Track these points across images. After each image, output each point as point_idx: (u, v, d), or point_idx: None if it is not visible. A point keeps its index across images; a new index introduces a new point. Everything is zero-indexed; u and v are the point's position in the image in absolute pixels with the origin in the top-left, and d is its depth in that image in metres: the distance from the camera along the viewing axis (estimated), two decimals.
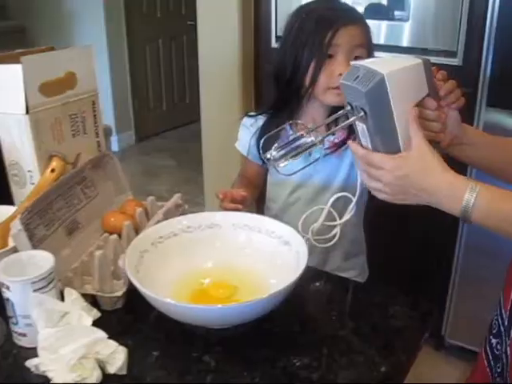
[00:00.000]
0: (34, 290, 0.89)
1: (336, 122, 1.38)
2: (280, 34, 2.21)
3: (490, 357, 1.14)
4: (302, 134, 1.06)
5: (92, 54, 1.26)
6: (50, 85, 1.17)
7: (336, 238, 1.21)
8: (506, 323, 1.08)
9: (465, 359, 2.18)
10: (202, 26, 2.34)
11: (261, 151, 1.18)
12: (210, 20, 2.33)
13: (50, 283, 0.91)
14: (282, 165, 1.05)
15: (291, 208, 1.45)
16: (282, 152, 1.04)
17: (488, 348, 1.15)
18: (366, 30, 1.32)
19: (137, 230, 1.17)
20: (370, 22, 1.36)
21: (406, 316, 1.03)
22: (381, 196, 0.99)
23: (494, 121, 1.93)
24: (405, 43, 2.01)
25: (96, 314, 0.96)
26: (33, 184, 1.19)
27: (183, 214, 1.25)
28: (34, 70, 1.13)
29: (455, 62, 1.95)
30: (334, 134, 1.07)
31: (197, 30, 4.72)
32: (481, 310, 2.12)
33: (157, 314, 0.97)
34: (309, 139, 1.06)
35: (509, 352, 1.05)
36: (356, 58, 1.27)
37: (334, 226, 1.20)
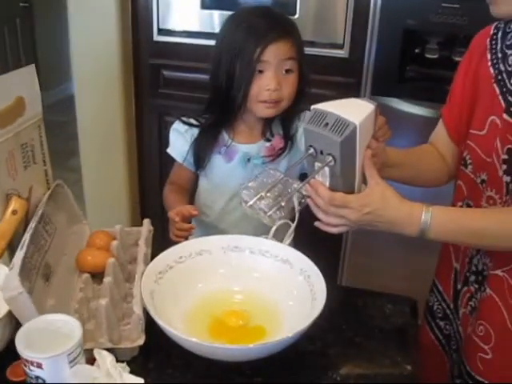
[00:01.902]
0: (70, 362, 0.79)
1: (271, 130, 1.41)
2: (163, 26, 2.17)
3: (441, 337, 1.30)
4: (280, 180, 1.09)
5: (35, 74, 1.11)
6: (2, 115, 1.01)
7: None
8: (452, 307, 1.24)
9: None
10: (75, 20, 2.15)
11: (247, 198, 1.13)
12: (83, 11, 2.15)
13: (81, 350, 0.82)
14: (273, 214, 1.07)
15: (228, 217, 1.44)
16: (271, 202, 1.06)
17: (437, 330, 1.30)
18: (297, 43, 1.33)
19: None
20: None
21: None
22: (336, 230, 1.04)
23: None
24: None
25: (127, 369, 0.88)
26: None
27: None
28: None
29: (342, 54, 2.07)
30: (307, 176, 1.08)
31: (32, 13, 4.31)
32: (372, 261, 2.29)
33: (176, 354, 0.94)
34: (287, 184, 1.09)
35: (461, 330, 1.20)
36: (286, 71, 1.30)
37: None
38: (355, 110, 1.00)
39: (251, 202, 1.04)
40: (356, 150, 0.99)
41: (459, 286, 1.21)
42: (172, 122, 2.24)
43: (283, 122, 1.42)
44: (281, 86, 1.30)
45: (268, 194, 1.05)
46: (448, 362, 1.28)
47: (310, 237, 1.26)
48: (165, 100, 2.26)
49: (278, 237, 1.14)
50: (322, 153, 1.00)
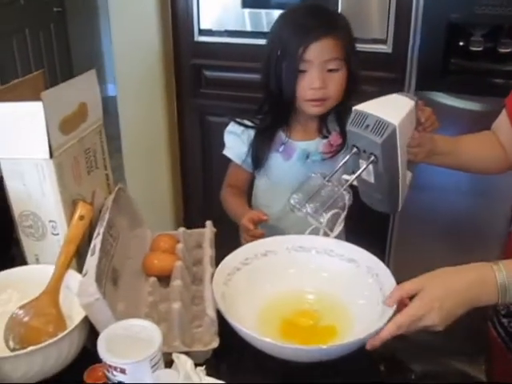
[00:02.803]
0: (152, 367, 0.80)
1: (326, 127, 1.41)
2: (203, 27, 2.17)
3: (504, 334, 1.26)
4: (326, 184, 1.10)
5: (96, 79, 1.12)
6: (68, 121, 1.02)
7: None
8: None
9: None
10: (116, 23, 2.17)
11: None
12: (124, 14, 2.16)
13: (161, 355, 0.82)
14: (322, 219, 1.08)
15: (288, 216, 1.42)
16: (318, 206, 1.08)
17: (500, 328, 1.26)
18: (343, 41, 1.31)
19: None
20: None
21: None
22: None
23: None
24: None
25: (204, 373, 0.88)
26: (56, 235, 1.05)
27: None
28: (54, 106, 0.98)
29: (385, 49, 2.05)
30: (353, 172, 1.11)
31: (66, 17, 4.37)
32: (419, 256, 2.26)
33: (248, 357, 0.94)
34: (332, 188, 1.10)
35: None
36: (329, 71, 1.29)
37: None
38: (394, 109, 1.03)
39: (298, 206, 1.07)
40: (397, 148, 1.02)
41: None
42: (214, 122, 2.29)
43: (338, 119, 1.41)
44: (326, 85, 1.30)
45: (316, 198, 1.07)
46: None
47: (353, 235, 1.26)
48: (206, 100, 2.27)
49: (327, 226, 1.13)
50: (364, 151, 1.04)
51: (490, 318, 1.29)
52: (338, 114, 1.39)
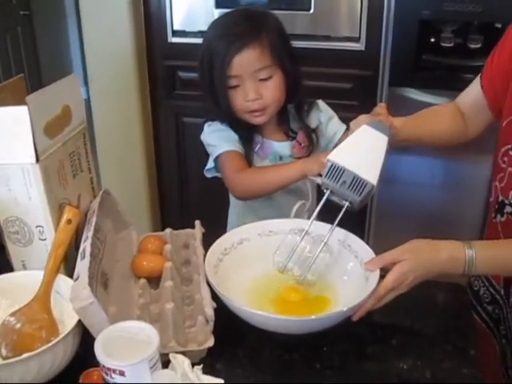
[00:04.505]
0: (151, 368, 0.80)
1: (290, 128, 1.39)
2: (177, 28, 2.16)
3: (488, 320, 1.29)
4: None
5: (78, 82, 1.11)
6: (52, 124, 1.01)
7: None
8: (503, 293, 1.23)
9: None
10: (88, 26, 2.15)
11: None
12: (95, 16, 2.14)
13: (159, 356, 0.82)
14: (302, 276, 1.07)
15: (271, 201, 1.39)
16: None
17: (485, 315, 1.29)
18: (271, 46, 1.25)
19: None
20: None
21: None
22: None
23: (395, 98, 2.09)
24: (307, 32, 2.08)
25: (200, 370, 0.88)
26: (43, 240, 1.04)
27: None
28: (39, 110, 0.97)
29: (358, 47, 2.07)
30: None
31: (32, 21, 4.29)
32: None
33: (243, 353, 0.97)
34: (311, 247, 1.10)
35: (511, 317, 1.20)
36: (261, 80, 1.26)
37: None
38: (371, 160, 1.02)
39: (282, 266, 1.07)
40: (372, 195, 1.04)
41: None
42: (189, 123, 2.28)
43: (298, 116, 1.39)
44: (261, 95, 1.27)
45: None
46: (498, 344, 1.26)
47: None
48: (181, 101, 2.26)
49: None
50: (341, 198, 1.03)
51: (472, 305, 1.32)
52: (296, 112, 1.38)
